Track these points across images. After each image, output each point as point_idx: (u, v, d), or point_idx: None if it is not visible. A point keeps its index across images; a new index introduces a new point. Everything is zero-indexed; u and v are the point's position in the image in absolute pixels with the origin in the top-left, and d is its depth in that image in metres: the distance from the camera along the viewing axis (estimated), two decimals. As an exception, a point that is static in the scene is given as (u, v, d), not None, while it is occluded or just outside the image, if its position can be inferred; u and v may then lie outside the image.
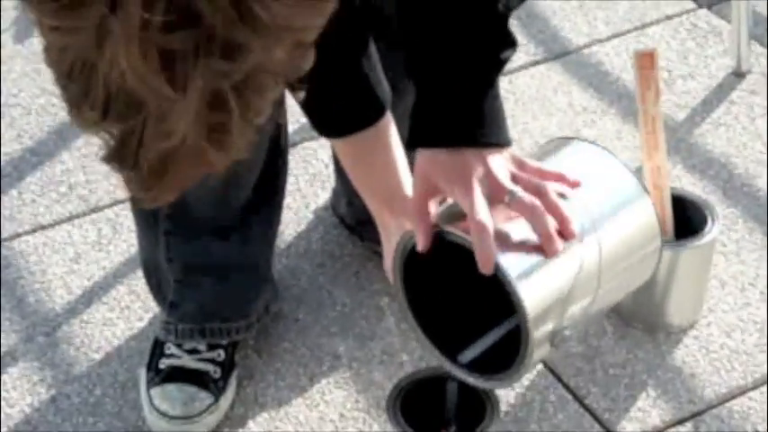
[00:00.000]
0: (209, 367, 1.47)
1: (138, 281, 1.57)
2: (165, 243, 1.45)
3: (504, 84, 1.82)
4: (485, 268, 0.97)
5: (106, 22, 0.78)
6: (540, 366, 1.49)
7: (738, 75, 1.88)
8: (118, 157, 0.86)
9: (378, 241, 1.59)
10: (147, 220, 1.47)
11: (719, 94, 1.86)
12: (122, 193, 1.68)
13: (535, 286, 0.98)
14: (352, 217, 1.62)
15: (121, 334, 1.55)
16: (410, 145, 1.10)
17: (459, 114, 1.05)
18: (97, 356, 1.52)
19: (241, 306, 1.50)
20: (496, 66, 1.07)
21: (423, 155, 1.06)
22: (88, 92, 0.82)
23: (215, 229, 1.44)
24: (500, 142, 1.05)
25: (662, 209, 1.44)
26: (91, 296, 1.59)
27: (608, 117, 1.82)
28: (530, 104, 1.84)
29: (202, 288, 1.47)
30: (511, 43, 1.07)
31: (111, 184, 1.73)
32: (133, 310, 1.57)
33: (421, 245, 1.03)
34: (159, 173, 0.85)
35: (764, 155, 1.76)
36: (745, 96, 1.85)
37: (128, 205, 1.54)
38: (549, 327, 0.99)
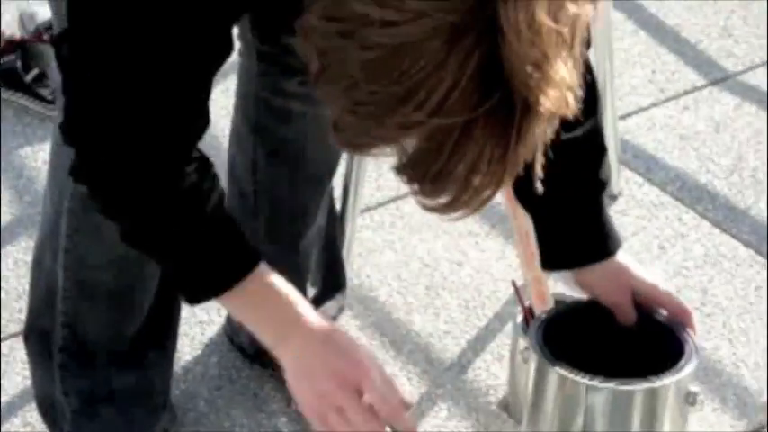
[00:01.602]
0: None
1: (33, 412, 1.56)
2: (60, 377, 1.45)
3: (392, 210, 1.92)
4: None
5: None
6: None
7: (610, 197, 1.99)
8: (431, 158, 0.89)
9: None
10: (41, 354, 1.47)
11: (593, 215, 1.96)
12: (15, 326, 1.68)
13: None
14: (251, 345, 1.65)
15: (15, 468, 1.54)
16: (564, 266, 1.33)
17: (601, 233, 1.31)
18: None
19: None
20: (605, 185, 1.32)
21: (587, 271, 1.31)
22: (415, 91, 0.84)
23: (110, 359, 1.45)
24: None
25: (546, 317, 1.51)
26: (-18, 430, 1.58)
27: (490, 238, 1.90)
28: (417, 228, 1.91)
29: (100, 418, 1.47)
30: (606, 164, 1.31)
31: (4, 318, 1.74)
32: (30, 441, 1.57)
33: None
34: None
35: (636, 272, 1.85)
36: (616, 217, 1.95)
37: (20, 339, 1.54)
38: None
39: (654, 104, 2.19)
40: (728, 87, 2.22)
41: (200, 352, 1.70)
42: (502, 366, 1.69)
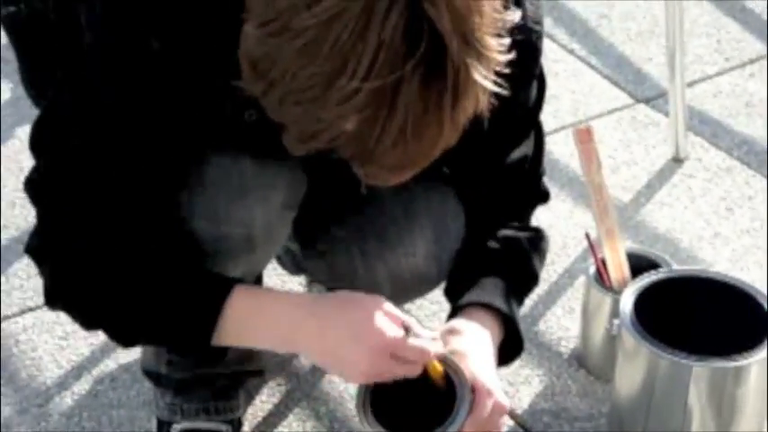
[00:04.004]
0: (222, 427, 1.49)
1: (126, 354, 1.64)
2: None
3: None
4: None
5: None
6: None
7: (677, 161, 2.04)
8: (369, 126, 0.94)
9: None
10: None
11: (661, 178, 2.01)
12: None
13: None
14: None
15: (110, 403, 1.61)
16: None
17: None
18: (88, 425, 1.58)
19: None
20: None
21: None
22: (346, 61, 0.91)
23: None
24: None
25: (619, 265, 1.57)
26: (80, 370, 1.66)
27: (560, 200, 1.95)
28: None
29: (211, 382, 1.49)
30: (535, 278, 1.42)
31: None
32: (121, 381, 1.64)
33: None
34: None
35: (705, 230, 1.90)
36: (684, 180, 2.00)
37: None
38: None
39: (719, 73, 2.22)
40: (794, 56, 2.25)
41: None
42: (573, 319, 1.74)
